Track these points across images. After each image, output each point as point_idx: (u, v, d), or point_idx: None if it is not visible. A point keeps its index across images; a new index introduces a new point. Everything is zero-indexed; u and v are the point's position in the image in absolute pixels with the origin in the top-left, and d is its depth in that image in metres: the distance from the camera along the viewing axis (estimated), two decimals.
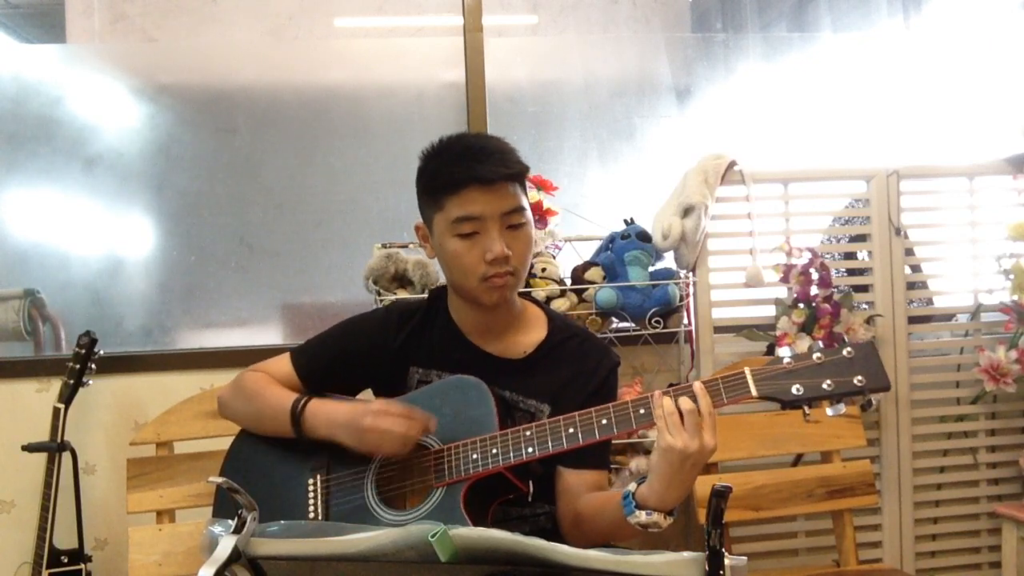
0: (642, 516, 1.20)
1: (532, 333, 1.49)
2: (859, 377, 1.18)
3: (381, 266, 2.10)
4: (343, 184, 2.56)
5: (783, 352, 1.22)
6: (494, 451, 1.29)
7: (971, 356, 2.39)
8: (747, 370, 1.21)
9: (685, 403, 1.17)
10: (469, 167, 1.34)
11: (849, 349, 1.19)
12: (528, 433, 1.29)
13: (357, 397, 1.51)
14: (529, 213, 1.40)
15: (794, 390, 1.19)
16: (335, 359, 1.50)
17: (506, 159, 1.37)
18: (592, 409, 1.27)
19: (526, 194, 1.41)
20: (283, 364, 1.50)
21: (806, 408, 1.20)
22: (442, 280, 2.08)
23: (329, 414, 1.37)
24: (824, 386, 1.18)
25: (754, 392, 1.20)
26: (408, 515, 1.32)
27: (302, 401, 1.39)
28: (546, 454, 1.28)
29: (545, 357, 1.47)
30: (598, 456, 1.43)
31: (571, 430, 1.27)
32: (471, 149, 1.38)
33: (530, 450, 1.28)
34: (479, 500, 1.32)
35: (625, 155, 2.72)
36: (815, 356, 1.20)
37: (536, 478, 1.37)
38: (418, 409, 1.33)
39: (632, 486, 1.23)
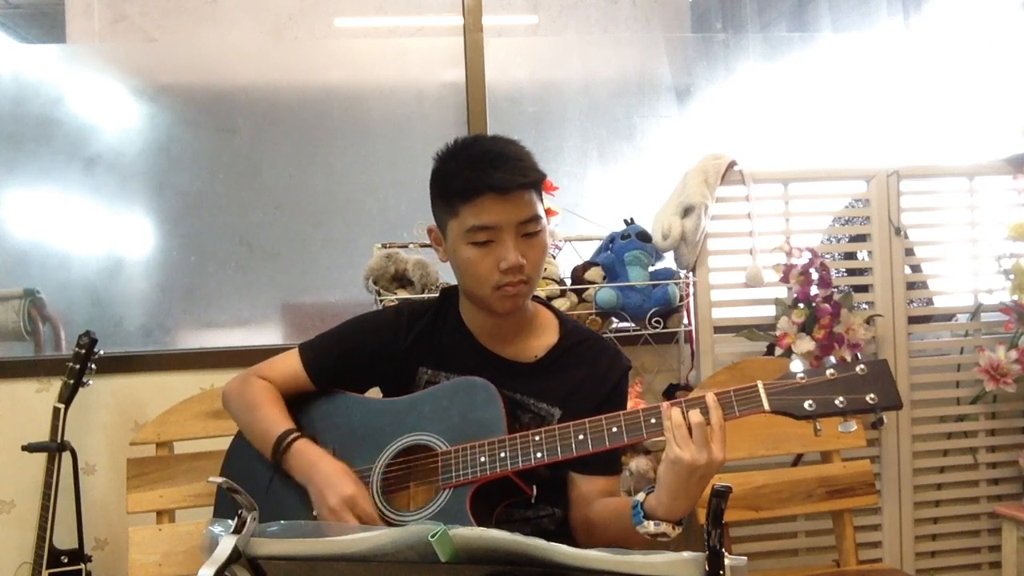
0: (650, 526, 1.20)
1: (543, 337, 1.48)
2: (871, 395, 1.18)
3: (381, 266, 2.09)
4: (343, 184, 2.56)
5: (795, 367, 1.22)
6: (502, 455, 1.29)
7: (971, 356, 2.39)
8: (760, 384, 1.21)
9: (695, 416, 1.17)
10: (485, 174, 1.31)
11: (862, 366, 1.20)
12: (537, 438, 1.28)
13: (365, 395, 1.51)
14: (544, 220, 1.38)
15: (806, 406, 1.19)
16: (344, 356, 1.49)
17: (522, 167, 1.34)
18: (603, 416, 1.27)
19: (542, 200, 1.38)
20: (291, 360, 1.49)
21: (817, 424, 1.21)
22: (442, 280, 2.08)
23: (308, 467, 1.34)
24: (836, 403, 1.18)
25: (767, 407, 1.20)
26: (413, 516, 1.32)
27: (289, 438, 1.37)
28: (555, 460, 1.28)
29: (556, 361, 1.46)
30: (610, 462, 1.43)
31: (581, 437, 1.27)
32: (488, 155, 1.34)
33: (539, 455, 1.27)
34: (484, 503, 1.32)
35: (625, 155, 2.72)
36: (828, 372, 1.20)
37: (540, 482, 1.37)
38: (381, 527, 1.29)
39: (640, 495, 1.23)
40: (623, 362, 1.49)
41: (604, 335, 2.16)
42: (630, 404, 1.46)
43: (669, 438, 1.18)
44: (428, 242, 1.49)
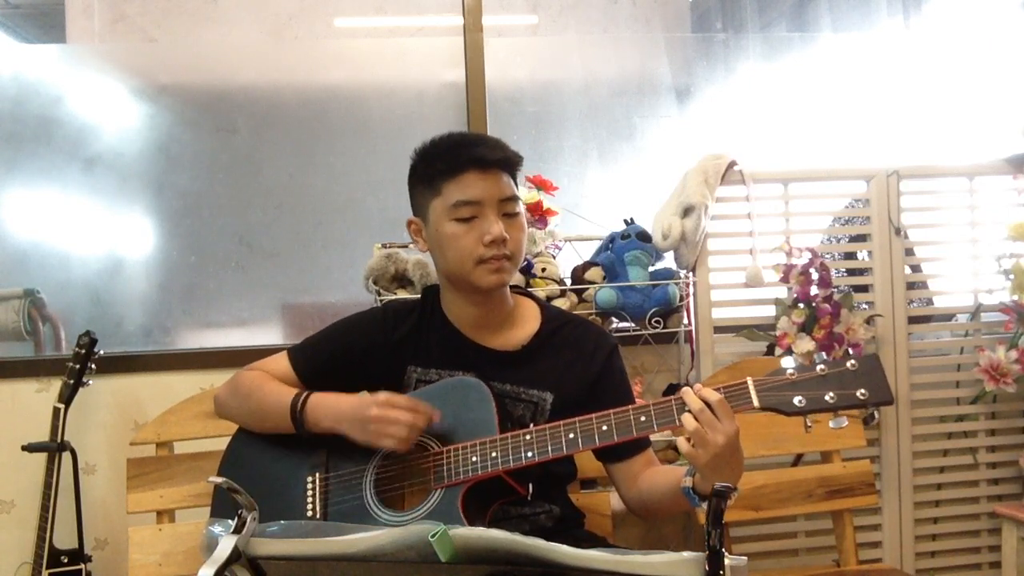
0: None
1: (527, 325, 1.50)
2: (862, 390, 1.18)
3: (381, 266, 2.10)
4: (343, 184, 2.56)
5: (786, 363, 1.22)
6: (493, 454, 1.29)
7: (971, 356, 2.39)
8: (750, 381, 1.22)
9: (689, 420, 1.19)
10: (467, 151, 1.38)
11: (853, 362, 1.20)
12: (528, 437, 1.29)
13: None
14: (522, 204, 1.45)
15: (796, 401, 1.20)
16: (333, 357, 1.50)
17: (501, 145, 1.43)
18: (593, 415, 1.28)
19: (518, 188, 1.45)
20: (281, 363, 1.51)
21: (808, 420, 1.21)
22: None
23: (332, 407, 1.37)
24: (827, 398, 1.19)
25: (756, 403, 1.21)
26: (406, 516, 1.32)
27: (303, 396, 1.39)
28: (546, 459, 1.29)
29: (542, 346, 1.48)
30: (638, 440, 1.43)
31: (571, 436, 1.28)
32: (467, 137, 1.48)
33: (529, 455, 1.28)
34: (477, 502, 1.32)
35: (625, 155, 2.72)
36: (818, 368, 1.21)
37: (535, 479, 1.37)
38: (423, 402, 1.33)
39: (688, 480, 1.26)
40: (609, 340, 1.52)
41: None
42: None
43: (689, 449, 1.19)
44: None
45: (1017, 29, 2.74)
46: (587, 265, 2.25)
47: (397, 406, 1.31)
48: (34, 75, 2.47)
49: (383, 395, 1.34)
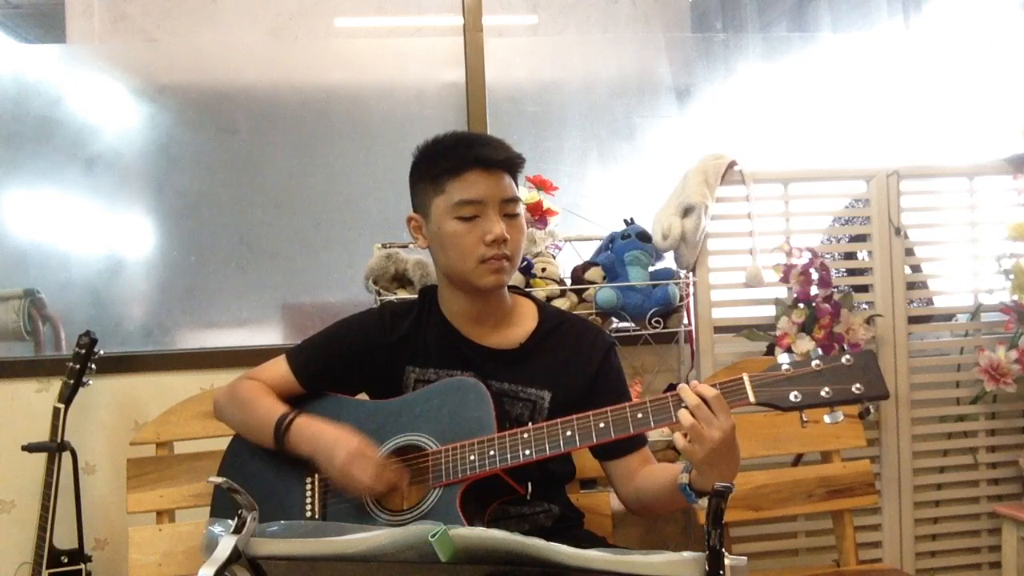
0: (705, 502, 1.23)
1: (524, 324, 1.51)
2: (857, 385, 1.19)
3: (381, 266, 2.10)
4: (343, 184, 2.56)
5: (782, 359, 1.23)
6: (491, 453, 1.30)
7: (971, 356, 2.39)
8: (746, 377, 1.22)
9: (685, 416, 1.19)
10: (472, 150, 1.39)
11: (848, 357, 1.20)
12: (526, 436, 1.29)
13: (355, 398, 1.52)
14: (523, 206, 1.46)
15: (792, 397, 1.20)
16: (332, 359, 1.50)
17: (505, 146, 1.43)
18: (590, 413, 1.29)
19: (519, 189, 1.45)
20: (279, 367, 1.51)
21: (803, 415, 1.21)
22: None
23: (313, 436, 1.37)
24: (822, 393, 1.19)
25: (752, 399, 1.21)
26: (404, 515, 1.32)
27: (288, 417, 1.39)
28: (543, 457, 1.29)
29: (539, 345, 1.48)
30: (635, 439, 1.43)
31: (568, 433, 1.28)
32: (470, 136, 1.48)
33: (527, 452, 1.28)
34: (476, 501, 1.32)
35: (625, 155, 2.72)
36: (814, 363, 1.21)
37: (534, 478, 1.37)
38: (395, 465, 1.32)
39: (684, 477, 1.26)
40: (605, 339, 1.52)
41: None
42: None
43: (685, 444, 1.19)
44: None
45: (1017, 29, 2.75)
46: (587, 265, 2.25)
47: (364, 462, 1.30)
48: (34, 75, 2.47)
49: (356, 443, 1.32)
